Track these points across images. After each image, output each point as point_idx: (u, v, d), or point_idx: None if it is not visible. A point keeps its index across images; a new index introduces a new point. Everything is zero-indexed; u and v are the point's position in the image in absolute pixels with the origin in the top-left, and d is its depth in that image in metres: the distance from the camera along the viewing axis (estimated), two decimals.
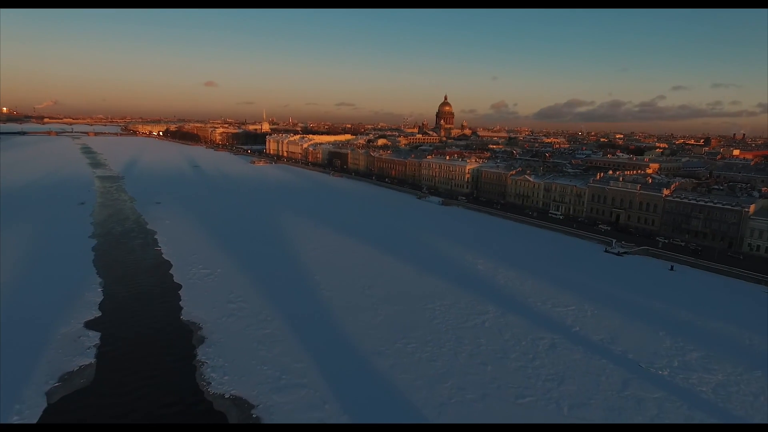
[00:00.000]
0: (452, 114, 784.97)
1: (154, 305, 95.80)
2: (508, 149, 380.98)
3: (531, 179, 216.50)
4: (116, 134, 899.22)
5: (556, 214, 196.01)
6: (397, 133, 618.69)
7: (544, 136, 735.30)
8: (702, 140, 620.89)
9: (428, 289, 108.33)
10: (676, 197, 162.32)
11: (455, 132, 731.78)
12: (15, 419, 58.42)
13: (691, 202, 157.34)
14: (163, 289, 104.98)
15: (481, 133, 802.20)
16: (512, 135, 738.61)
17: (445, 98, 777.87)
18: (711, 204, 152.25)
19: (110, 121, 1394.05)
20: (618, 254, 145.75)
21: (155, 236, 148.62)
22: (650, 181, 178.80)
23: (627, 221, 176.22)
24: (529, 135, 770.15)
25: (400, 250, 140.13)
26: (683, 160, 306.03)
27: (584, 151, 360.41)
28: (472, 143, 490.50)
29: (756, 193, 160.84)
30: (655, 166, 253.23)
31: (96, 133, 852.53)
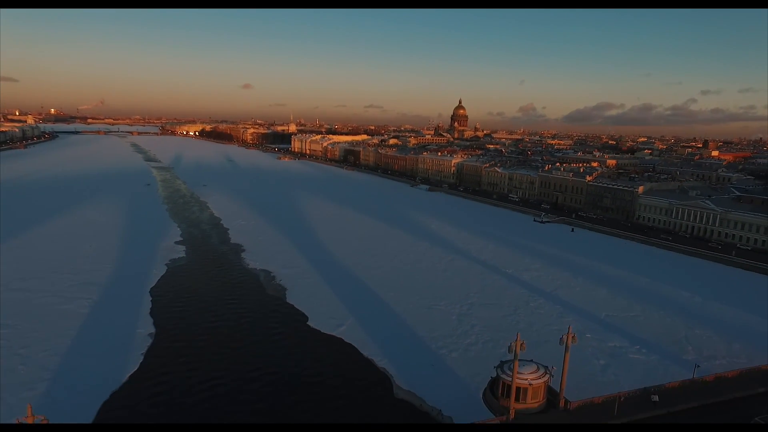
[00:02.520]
0: (466, 117, 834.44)
1: (213, 237, 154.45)
2: (500, 148, 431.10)
3: (499, 170, 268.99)
4: (156, 134, 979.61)
5: (513, 197, 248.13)
6: (412, 134, 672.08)
7: (550, 138, 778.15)
8: (701, 143, 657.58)
9: (389, 234, 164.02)
10: (595, 182, 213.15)
11: (468, 133, 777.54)
12: (153, 274, 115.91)
13: (603, 185, 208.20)
14: (217, 230, 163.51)
15: (498, 135, 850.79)
16: (535, 138, 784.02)
17: (460, 102, 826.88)
18: (615, 186, 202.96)
19: (147, 122, 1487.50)
20: (542, 222, 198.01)
21: (207, 204, 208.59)
22: (582, 170, 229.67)
23: (563, 201, 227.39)
24: (538, 138, 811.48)
25: (381, 216, 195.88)
26: (647, 158, 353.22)
27: (567, 150, 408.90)
28: (475, 143, 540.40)
29: (678, 183, 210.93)
30: (612, 162, 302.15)
31: (139, 133, 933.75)
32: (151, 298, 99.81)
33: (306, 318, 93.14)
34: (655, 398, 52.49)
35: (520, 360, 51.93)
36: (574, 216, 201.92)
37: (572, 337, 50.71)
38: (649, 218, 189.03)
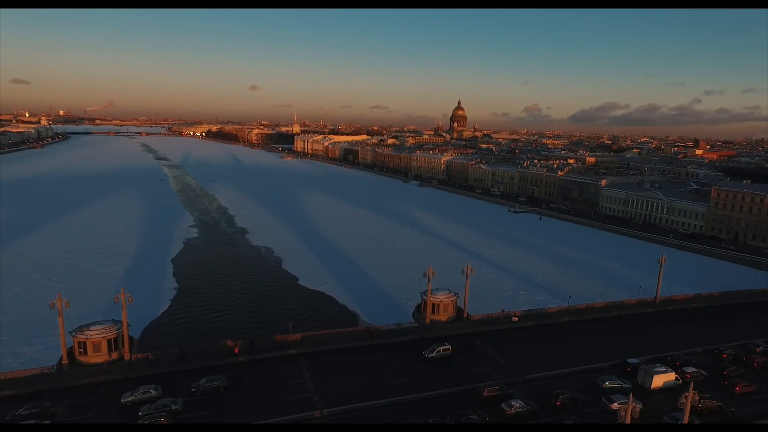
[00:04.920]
0: (465, 117, 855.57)
1: (221, 222, 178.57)
2: (491, 147, 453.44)
3: (483, 167, 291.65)
4: (164, 134, 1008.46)
5: (494, 191, 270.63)
6: (410, 135, 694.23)
7: (550, 138, 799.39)
8: (692, 143, 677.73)
9: (377, 221, 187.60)
10: (566, 177, 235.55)
11: (467, 134, 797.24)
12: (173, 249, 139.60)
13: (572, 179, 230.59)
14: (225, 218, 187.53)
15: (499, 135, 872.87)
16: (532, 138, 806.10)
17: (459, 103, 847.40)
18: (581, 180, 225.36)
19: (154, 123, 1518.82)
20: (515, 212, 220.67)
21: (215, 196, 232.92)
22: (556, 166, 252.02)
23: (538, 194, 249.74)
24: (535, 138, 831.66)
25: (371, 207, 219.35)
26: (627, 156, 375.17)
27: (554, 149, 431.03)
28: (472, 143, 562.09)
29: (639, 177, 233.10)
30: (592, 160, 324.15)
31: (147, 134, 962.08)
32: (172, 265, 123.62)
33: (297, 279, 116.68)
34: (515, 319, 75.62)
35: (439, 288, 75.19)
36: (544, 207, 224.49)
37: (470, 270, 73.82)
38: (609, 208, 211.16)
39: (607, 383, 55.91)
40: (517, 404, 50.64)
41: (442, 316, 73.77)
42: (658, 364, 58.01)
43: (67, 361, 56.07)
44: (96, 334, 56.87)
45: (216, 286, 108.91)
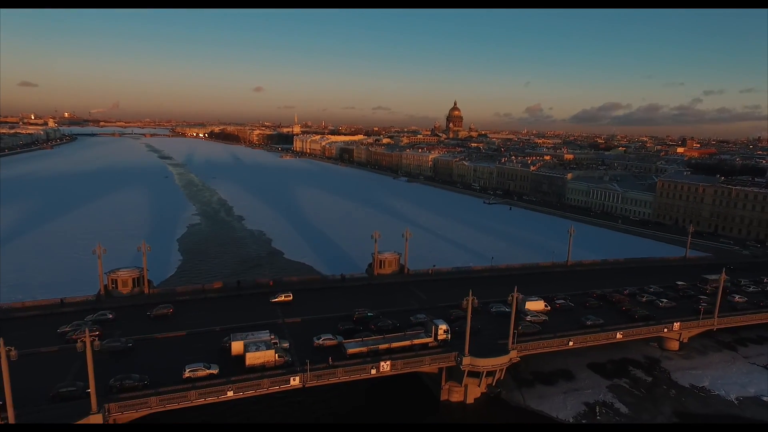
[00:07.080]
0: (461, 117, 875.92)
1: (221, 211, 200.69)
2: (479, 146, 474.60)
3: (466, 163, 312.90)
4: (168, 135, 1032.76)
5: (475, 186, 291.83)
6: (405, 135, 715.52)
7: (546, 138, 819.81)
8: (680, 141, 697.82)
9: (361, 210, 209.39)
10: (537, 172, 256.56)
11: (463, 134, 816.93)
12: (178, 232, 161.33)
13: (543, 174, 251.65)
14: (225, 209, 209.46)
15: (498, 135, 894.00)
16: (526, 138, 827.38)
17: (455, 104, 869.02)
18: (550, 174, 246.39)
19: (158, 124, 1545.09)
20: (489, 204, 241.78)
21: (216, 191, 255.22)
22: (530, 162, 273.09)
23: (514, 188, 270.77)
24: (527, 137, 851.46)
25: (359, 199, 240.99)
26: (607, 153, 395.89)
27: (541, 147, 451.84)
28: (466, 142, 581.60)
29: (604, 171, 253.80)
30: (570, 156, 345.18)
31: (151, 135, 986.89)
32: (178, 244, 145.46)
33: (283, 253, 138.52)
34: (431, 271, 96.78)
35: (387, 251, 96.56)
36: (516, 199, 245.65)
37: (409, 234, 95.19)
38: (574, 199, 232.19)
39: (493, 308, 77.28)
40: (421, 316, 72.12)
41: (387, 270, 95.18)
42: (533, 296, 79.26)
43: (104, 293, 77.61)
44: (124, 274, 78.49)
45: (214, 259, 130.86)
